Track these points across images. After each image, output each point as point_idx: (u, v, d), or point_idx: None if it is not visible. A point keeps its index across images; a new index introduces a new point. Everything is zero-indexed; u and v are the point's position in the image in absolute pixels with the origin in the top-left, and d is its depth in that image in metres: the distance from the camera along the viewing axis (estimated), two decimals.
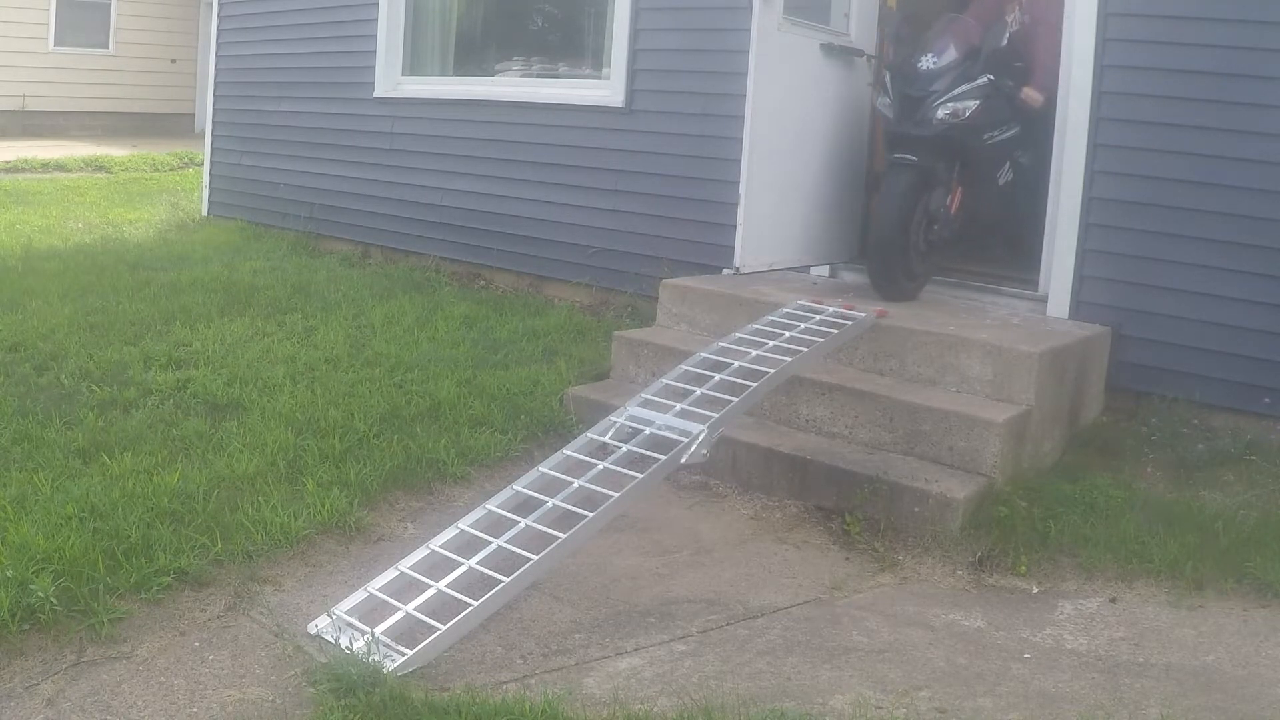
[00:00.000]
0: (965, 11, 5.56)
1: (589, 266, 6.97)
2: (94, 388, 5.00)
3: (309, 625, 3.29)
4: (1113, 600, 3.73)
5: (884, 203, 5.20)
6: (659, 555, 4.02)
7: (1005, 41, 5.23)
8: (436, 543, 3.59)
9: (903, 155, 5.17)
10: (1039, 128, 5.41)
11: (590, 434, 4.12)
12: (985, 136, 5.27)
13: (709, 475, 4.62)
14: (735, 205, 5.17)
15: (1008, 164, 5.46)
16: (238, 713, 2.89)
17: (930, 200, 5.20)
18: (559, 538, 3.49)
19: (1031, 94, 5.29)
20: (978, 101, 5.14)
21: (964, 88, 5.14)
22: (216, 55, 9.77)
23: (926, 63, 5.20)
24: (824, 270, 5.92)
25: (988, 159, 5.34)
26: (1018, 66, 5.34)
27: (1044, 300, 5.30)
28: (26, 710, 2.86)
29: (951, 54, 5.21)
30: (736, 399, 4.15)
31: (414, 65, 8.28)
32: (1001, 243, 5.81)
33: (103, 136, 17.61)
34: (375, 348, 5.80)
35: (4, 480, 3.95)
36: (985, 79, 5.17)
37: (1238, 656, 3.35)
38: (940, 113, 5.11)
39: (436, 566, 3.48)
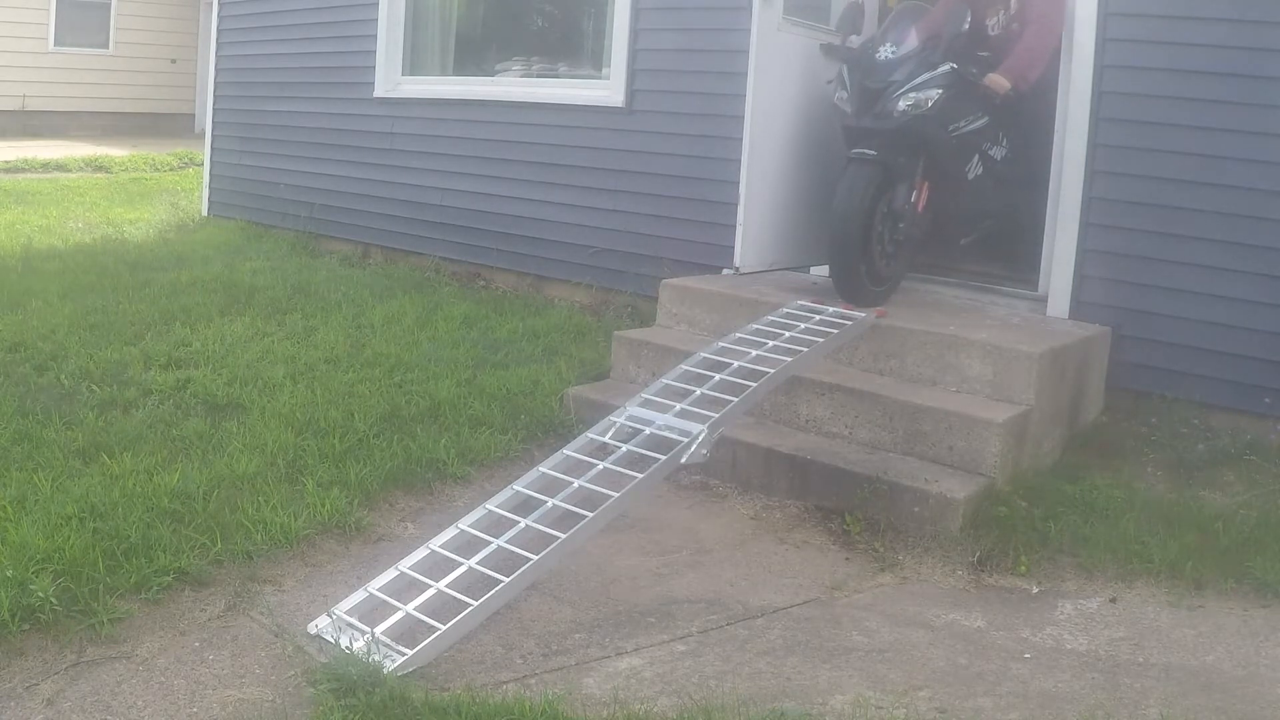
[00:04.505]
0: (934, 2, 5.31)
1: (589, 266, 6.97)
2: (94, 388, 5.00)
3: (309, 625, 3.30)
4: (1113, 600, 3.73)
5: (841, 202, 4.87)
6: (659, 555, 4.02)
7: (967, 26, 4.87)
8: (436, 543, 3.59)
9: (861, 151, 4.87)
10: (1011, 119, 5.22)
11: (590, 434, 4.12)
12: (950, 128, 4.94)
13: (709, 475, 4.62)
14: (735, 205, 5.17)
15: (976, 157, 5.14)
16: (238, 713, 2.89)
17: (894, 198, 4.92)
18: (559, 538, 3.49)
19: (996, 80, 4.95)
20: (940, 91, 4.81)
21: (925, 76, 4.82)
22: (216, 55, 9.78)
23: (885, 52, 4.89)
24: (824, 270, 5.90)
25: (954, 152, 5.01)
26: (983, 55, 5.10)
27: (1044, 300, 5.30)
28: (26, 710, 2.86)
29: (912, 42, 4.90)
30: (736, 399, 4.15)
31: (414, 65, 8.28)
32: (974, 242, 5.53)
33: (103, 136, 17.59)
34: (375, 348, 5.80)
35: (4, 480, 3.95)
36: (948, 67, 4.84)
37: (1238, 656, 3.35)
38: (901, 104, 4.80)
39: (436, 566, 3.48)
